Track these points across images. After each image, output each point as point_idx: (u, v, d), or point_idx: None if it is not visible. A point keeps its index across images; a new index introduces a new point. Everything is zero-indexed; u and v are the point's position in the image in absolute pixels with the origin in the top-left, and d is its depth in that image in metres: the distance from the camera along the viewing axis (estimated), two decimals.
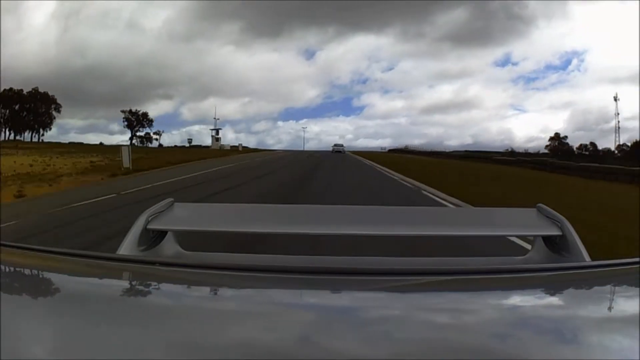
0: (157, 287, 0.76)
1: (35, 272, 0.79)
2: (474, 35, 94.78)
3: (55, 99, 63.38)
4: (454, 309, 0.66)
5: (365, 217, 1.23)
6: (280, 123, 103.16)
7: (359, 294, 0.72)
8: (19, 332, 0.50)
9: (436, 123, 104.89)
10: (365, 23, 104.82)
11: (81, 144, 56.36)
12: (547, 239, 1.10)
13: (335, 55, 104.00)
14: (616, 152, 53.82)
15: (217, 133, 54.44)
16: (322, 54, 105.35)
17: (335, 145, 53.83)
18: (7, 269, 0.76)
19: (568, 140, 62.35)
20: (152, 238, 1.07)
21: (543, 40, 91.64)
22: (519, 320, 0.61)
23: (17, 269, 0.78)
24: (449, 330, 0.57)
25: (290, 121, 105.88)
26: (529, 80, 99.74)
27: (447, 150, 49.64)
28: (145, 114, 68.69)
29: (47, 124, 64.20)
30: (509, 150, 55.67)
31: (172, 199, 1.16)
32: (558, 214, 1.10)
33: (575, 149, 59.85)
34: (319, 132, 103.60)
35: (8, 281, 0.71)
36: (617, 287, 0.77)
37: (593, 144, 59.86)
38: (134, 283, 0.77)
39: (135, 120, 67.72)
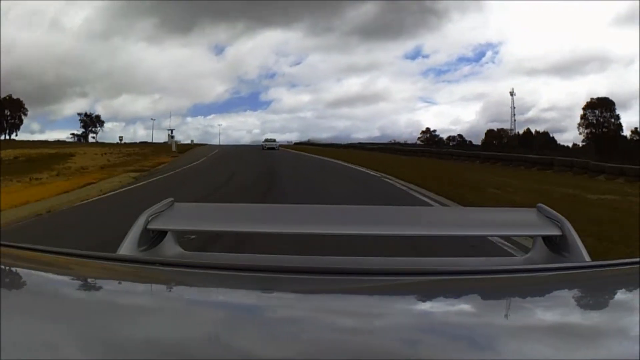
0: (157, 287, 0.76)
1: (35, 272, 0.78)
2: (384, 29, 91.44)
3: (23, 104, 73.46)
4: (454, 309, 0.66)
5: (366, 217, 1.24)
6: (189, 119, 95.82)
7: (361, 295, 0.72)
8: (19, 332, 0.50)
9: (343, 116, 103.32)
10: (274, 17, 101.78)
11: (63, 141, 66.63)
12: (547, 239, 1.10)
13: (243, 51, 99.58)
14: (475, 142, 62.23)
15: (172, 132, 67.11)
16: (231, 49, 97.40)
17: (266, 140, 46.34)
18: (7, 269, 0.75)
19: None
20: (152, 238, 1.07)
21: (456, 33, 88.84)
22: (520, 321, 0.61)
23: (17, 269, 0.77)
24: (449, 331, 0.57)
25: (199, 117, 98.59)
26: (440, 73, 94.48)
27: (341, 143, 54.18)
28: (98, 116, 79.74)
29: (17, 126, 74.52)
30: (392, 141, 60.24)
31: (172, 199, 1.17)
32: (558, 214, 1.09)
33: (445, 140, 66.45)
34: (227, 128, 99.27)
35: (8, 281, 0.70)
36: (617, 287, 0.77)
37: (461, 136, 66.40)
38: (134, 283, 0.77)
39: (90, 122, 79.90)
